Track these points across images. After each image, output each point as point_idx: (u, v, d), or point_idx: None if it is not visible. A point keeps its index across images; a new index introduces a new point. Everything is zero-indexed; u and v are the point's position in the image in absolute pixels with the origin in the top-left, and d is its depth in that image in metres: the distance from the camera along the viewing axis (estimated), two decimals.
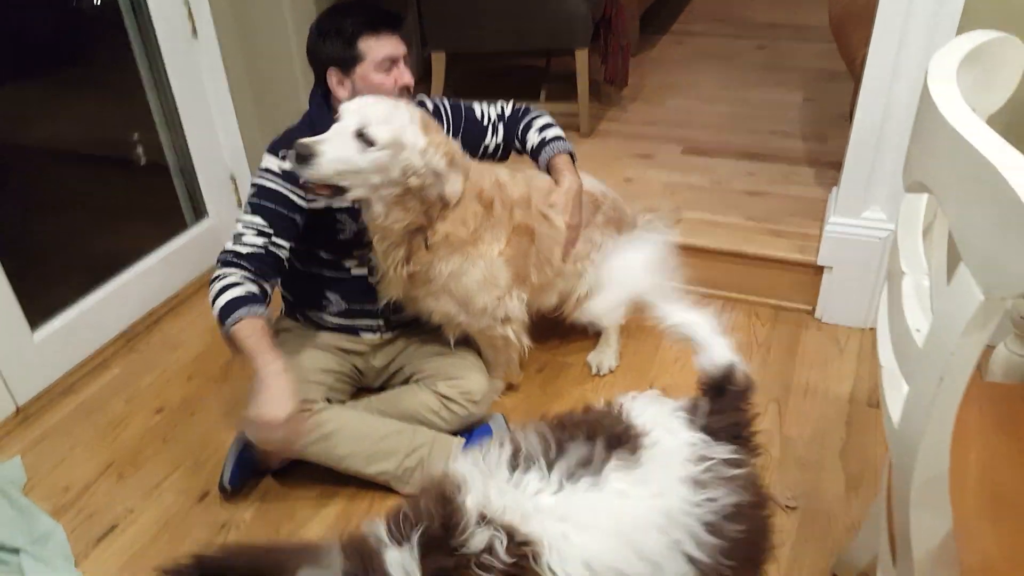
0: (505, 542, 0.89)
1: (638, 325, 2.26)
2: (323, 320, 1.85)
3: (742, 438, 1.07)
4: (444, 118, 1.84)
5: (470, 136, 1.84)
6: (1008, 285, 0.66)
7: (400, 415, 1.79)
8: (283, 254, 1.68)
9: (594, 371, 2.10)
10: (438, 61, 3.12)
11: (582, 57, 2.95)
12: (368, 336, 1.86)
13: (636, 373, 2.09)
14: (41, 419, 2.05)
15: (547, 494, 0.95)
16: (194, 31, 2.41)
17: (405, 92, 1.67)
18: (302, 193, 1.67)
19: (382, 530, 0.92)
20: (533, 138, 1.85)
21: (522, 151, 1.91)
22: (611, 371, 2.10)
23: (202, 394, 2.11)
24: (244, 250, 1.62)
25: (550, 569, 0.90)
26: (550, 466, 0.97)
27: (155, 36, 2.32)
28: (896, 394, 0.89)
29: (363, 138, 1.50)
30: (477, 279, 1.72)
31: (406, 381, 1.89)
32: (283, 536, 1.68)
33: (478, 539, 0.89)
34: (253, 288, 1.59)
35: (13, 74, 2.12)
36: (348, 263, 1.80)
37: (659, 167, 2.78)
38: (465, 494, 0.94)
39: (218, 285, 1.59)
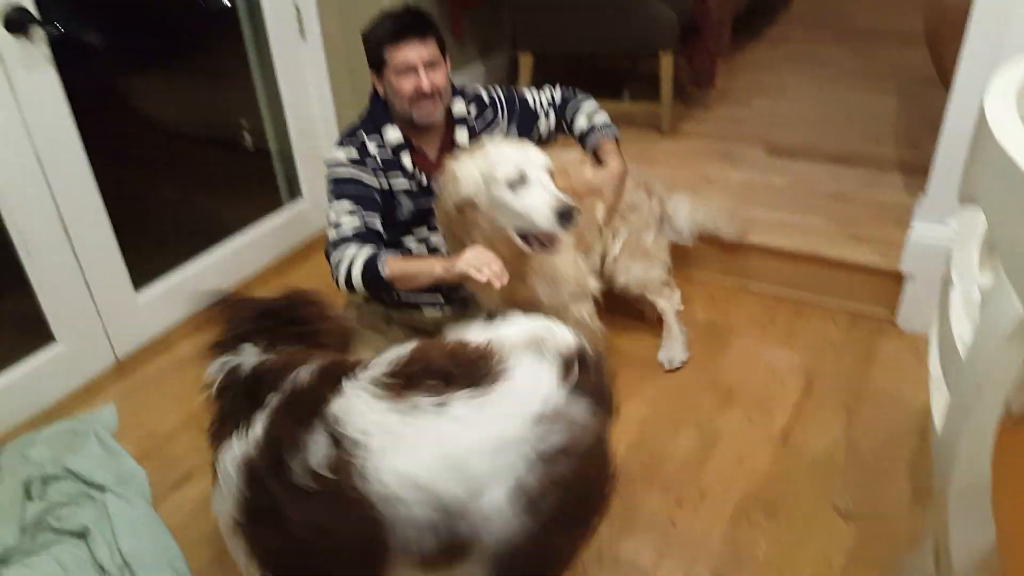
0: (334, 444, 1.06)
1: (709, 322, 2.26)
2: (388, 296, 1.94)
3: (602, 401, 1.16)
4: (499, 108, 1.94)
5: (524, 123, 1.94)
6: None
7: None
8: (377, 227, 1.78)
9: (667, 367, 2.10)
10: (525, 61, 3.19)
11: (667, 59, 2.96)
12: (430, 311, 1.95)
13: (701, 369, 2.09)
14: (137, 372, 2.23)
15: (391, 412, 1.07)
16: (302, 32, 2.58)
17: (424, 98, 1.76)
18: (370, 172, 1.81)
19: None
20: (582, 123, 1.93)
21: (569, 134, 1.97)
22: (683, 364, 2.11)
23: None
24: (348, 232, 1.74)
25: (366, 472, 1.04)
26: (408, 388, 1.09)
27: (267, 35, 2.50)
28: (940, 402, 0.88)
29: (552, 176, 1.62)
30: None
31: None
32: None
33: (317, 436, 1.07)
34: (372, 247, 1.71)
35: (144, 62, 2.33)
36: (407, 240, 1.90)
37: (740, 167, 2.75)
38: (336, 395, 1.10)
39: (344, 265, 1.69)
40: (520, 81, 3.20)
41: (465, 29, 3.35)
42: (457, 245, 1.72)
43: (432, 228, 1.88)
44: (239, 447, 1.14)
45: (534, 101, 1.97)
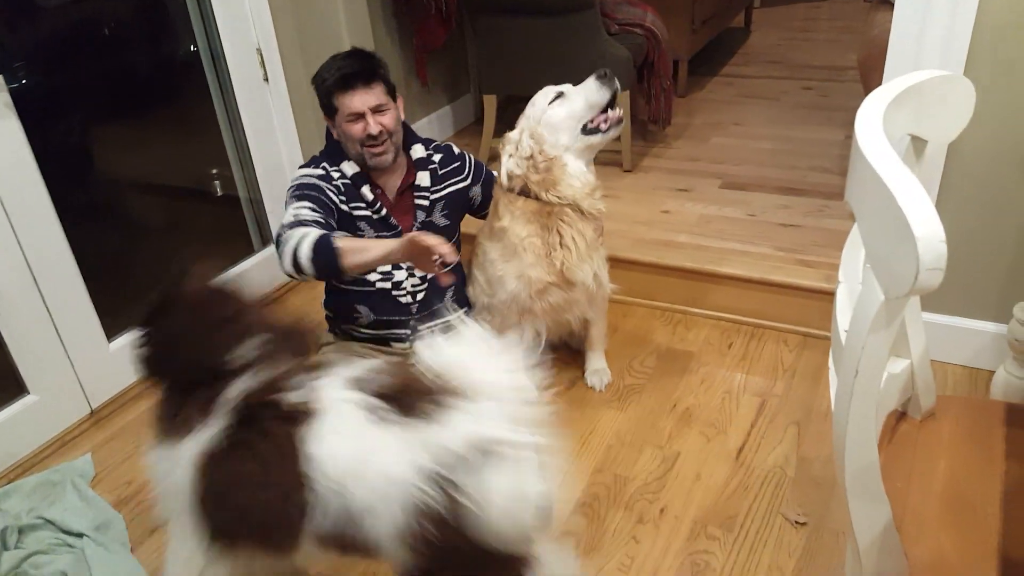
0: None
1: (669, 348, 2.35)
2: (358, 332, 2.02)
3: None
4: (468, 164, 2.09)
5: (487, 187, 2.09)
6: (899, 285, 0.75)
7: None
8: (333, 224, 1.85)
9: (599, 388, 2.21)
10: (490, 103, 3.31)
11: (624, 98, 3.08)
12: (398, 345, 2.02)
13: (662, 393, 2.17)
14: (112, 421, 2.27)
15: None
16: (265, 77, 2.66)
17: (374, 142, 1.86)
18: (334, 191, 1.89)
19: None
20: None
21: None
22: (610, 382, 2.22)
23: None
24: (305, 218, 1.78)
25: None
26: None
27: (231, 81, 2.58)
28: (834, 391, 0.97)
29: None
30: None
31: None
32: None
33: None
34: (321, 230, 1.73)
35: (108, 112, 2.41)
36: (372, 277, 1.97)
37: (696, 200, 2.87)
38: None
39: (293, 242, 1.70)
40: (485, 122, 3.32)
41: (431, 75, 3.48)
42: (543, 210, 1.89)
43: (395, 265, 1.97)
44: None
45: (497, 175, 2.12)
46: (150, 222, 2.61)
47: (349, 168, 1.92)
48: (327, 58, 1.89)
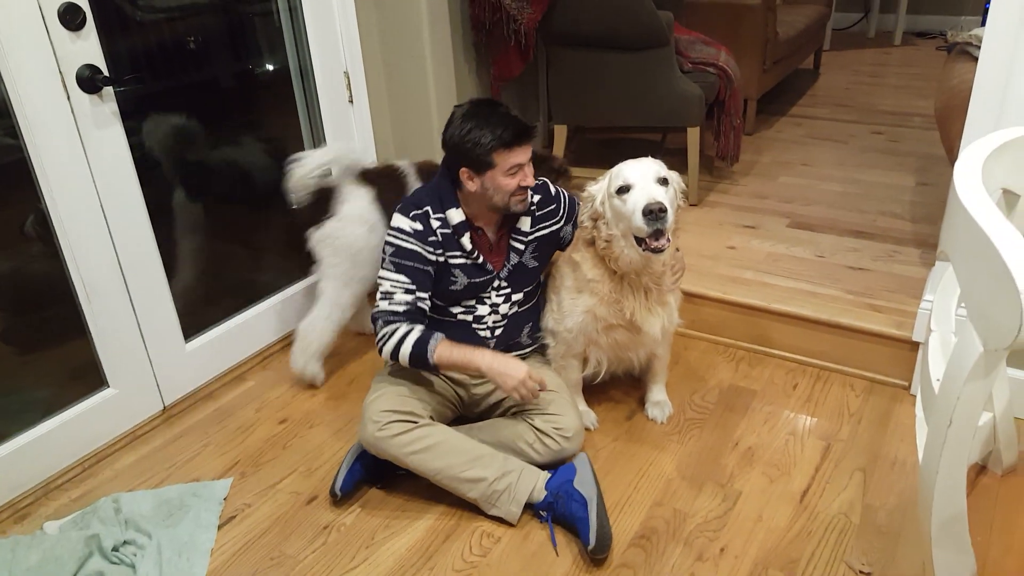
0: None
1: (733, 386, 2.34)
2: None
3: None
4: (563, 205, 2.11)
5: (577, 226, 2.10)
6: (1000, 337, 0.75)
7: (496, 442, 1.95)
8: (426, 305, 1.95)
9: (661, 420, 2.22)
10: (560, 132, 3.37)
11: (694, 134, 3.11)
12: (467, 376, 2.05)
13: (724, 430, 2.16)
14: (182, 419, 2.35)
15: None
16: (350, 99, 2.77)
17: (523, 191, 1.91)
18: (431, 249, 1.93)
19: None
20: None
21: None
22: (672, 414, 2.24)
23: (322, 409, 2.36)
24: (399, 308, 1.90)
25: None
26: None
27: (317, 100, 2.69)
28: (922, 439, 0.97)
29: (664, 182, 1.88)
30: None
31: (503, 413, 2.06)
32: (376, 543, 1.85)
33: None
34: (421, 327, 1.89)
35: (201, 121, 2.52)
36: (455, 309, 2.02)
37: (763, 237, 2.86)
38: None
39: (394, 339, 1.88)
40: (554, 151, 3.37)
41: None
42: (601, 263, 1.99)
43: (480, 300, 2.02)
44: None
45: None
46: (229, 228, 2.70)
47: (455, 216, 1.94)
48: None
